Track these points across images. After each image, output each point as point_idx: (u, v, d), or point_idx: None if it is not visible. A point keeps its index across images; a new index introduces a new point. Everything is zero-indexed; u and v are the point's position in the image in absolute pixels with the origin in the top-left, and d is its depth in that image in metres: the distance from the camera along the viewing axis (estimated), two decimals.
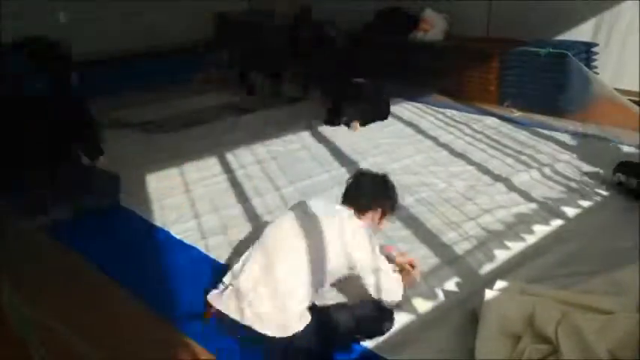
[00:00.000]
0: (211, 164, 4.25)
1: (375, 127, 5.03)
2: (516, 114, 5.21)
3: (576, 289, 2.41)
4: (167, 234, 3.20)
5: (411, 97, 5.77)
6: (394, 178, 2.63)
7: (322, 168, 4.14)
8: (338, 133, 4.87)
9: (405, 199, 3.52)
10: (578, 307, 2.18)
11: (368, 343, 2.29)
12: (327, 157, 4.38)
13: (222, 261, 2.90)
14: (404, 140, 4.67)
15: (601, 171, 3.82)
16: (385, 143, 4.62)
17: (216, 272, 2.71)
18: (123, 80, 6.18)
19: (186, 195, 3.71)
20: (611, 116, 4.65)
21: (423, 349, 2.25)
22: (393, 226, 3.14)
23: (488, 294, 2.32)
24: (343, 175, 3.92)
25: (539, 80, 5.21)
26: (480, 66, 5.64)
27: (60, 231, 3.21)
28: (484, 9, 6.05)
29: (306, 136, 4.87)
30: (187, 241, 3.11)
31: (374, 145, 4.59)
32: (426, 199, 3.57)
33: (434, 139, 4.69)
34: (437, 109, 5.46)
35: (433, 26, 6.16)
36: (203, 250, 3.02)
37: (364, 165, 4.08)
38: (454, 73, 5.85)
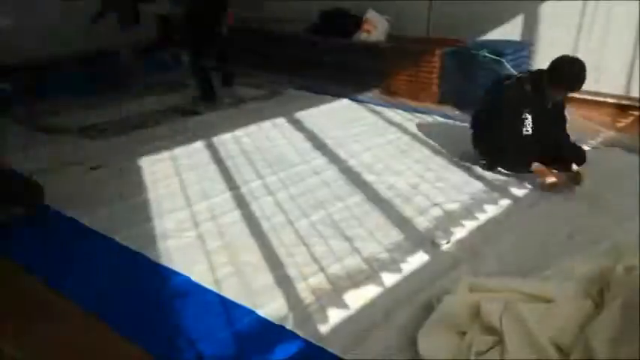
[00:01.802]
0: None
1: (346, 118, 5.29)
2: (456, 112, 5.36)
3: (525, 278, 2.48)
4: (113, 241, 3.09)
5: (356, 97, 5.88)
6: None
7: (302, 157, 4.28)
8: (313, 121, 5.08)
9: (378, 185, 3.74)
10: (521, 296, 2.23)
11: (309, 337, 2.26)
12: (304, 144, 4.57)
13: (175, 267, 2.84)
14: (370, 133, 4.86)
15: None
16: (358, 133, 4.85)
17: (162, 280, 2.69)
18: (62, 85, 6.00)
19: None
20: None
21: (371, 343, 2.25)
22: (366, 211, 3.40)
23: (438, 290, 2.38)
24: (322, 165, 4.12)
25: (477, 79, 5.37)
26: (422, 66, 5.77)
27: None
28: (424, 9, 6.19)
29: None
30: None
31: (347, 134, 4.81)
32: (395, 186, 3.74)
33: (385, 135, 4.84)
34: (382, 107, 5.55)
35: (376, 27, 6.27)
36: (152, 256, 2.93)
37: (341, 153, 4.34)
38: (396, 73, 5.97)
